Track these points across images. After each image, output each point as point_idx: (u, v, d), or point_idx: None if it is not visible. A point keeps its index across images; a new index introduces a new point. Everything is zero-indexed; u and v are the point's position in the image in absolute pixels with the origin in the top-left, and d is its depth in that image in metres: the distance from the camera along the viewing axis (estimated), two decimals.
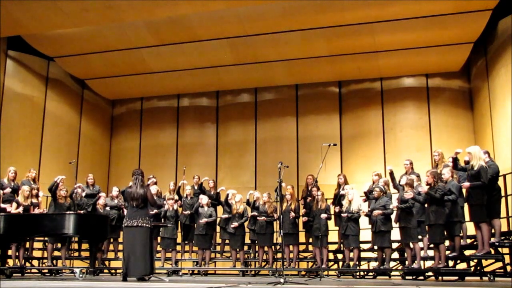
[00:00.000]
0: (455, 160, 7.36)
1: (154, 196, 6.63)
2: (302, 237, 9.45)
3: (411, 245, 7.46)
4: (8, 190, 8.57)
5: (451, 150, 7.72)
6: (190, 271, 9.55)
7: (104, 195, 9.47)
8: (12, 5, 8.91)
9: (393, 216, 7.79)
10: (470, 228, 7.51)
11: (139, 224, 6.18)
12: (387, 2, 9.23)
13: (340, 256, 9.09)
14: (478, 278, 7.16)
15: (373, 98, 12.02)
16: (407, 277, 7.96)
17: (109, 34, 10.57)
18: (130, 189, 6.33)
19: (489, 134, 10.10)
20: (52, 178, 9.34)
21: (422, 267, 7.67)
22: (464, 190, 7.10)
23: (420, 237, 7.55)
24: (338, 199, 8.73)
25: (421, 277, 7.78)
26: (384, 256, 7.84)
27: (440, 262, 6.92)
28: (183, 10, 9.26)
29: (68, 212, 8.03)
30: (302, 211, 9.07)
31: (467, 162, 7.18)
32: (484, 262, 7.08)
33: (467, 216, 7.31)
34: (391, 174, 8.21)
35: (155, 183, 9.64)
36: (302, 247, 9.49)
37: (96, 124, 13.32)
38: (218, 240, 10.08)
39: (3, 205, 8.28)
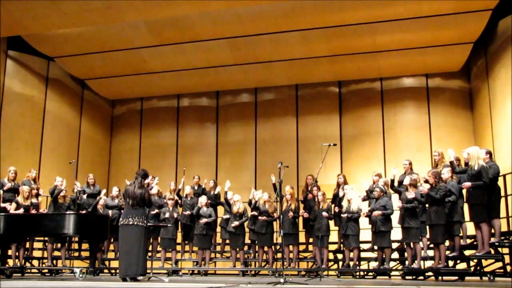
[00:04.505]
0: (452, 164, 7.38)
1: (151, 197, 6.63)
2: (302, 237, 9.45)
3: (412, 245, 7.46)
4: (8, 186, 8.57)
5: (448, 149, 7.74)
6: (190, 271, 9.55)
7: (104, 191, 9.47)
8: (12, 5, 8.91)
9: (396, 217, 7.77)
10: (470, 228, 7.51)
11: (135, 223, 6.18)
12: (387, 2, 9.23)
13: (340, 256, 9.09)
14: (478, 278, 7.16)
15: (373, 98, 12.03)
16: (407, 277, 7.96)
17: (109, 34, 10.57)
18: (129, 188, 6.35)
19: (489, 134, 10.10)
20: (52, 178, 9.37)
21: (422, 267, 7.67)
22: (464, 190, 7.09)
23: (420, 237, 7.55)
24: (338, 201, 8.71)
25: (421, 277, 7.78)
26: (384, 256, 7.84)
27: (440, 262, 6.92)
28: (183, 10, 9.26)
29: (68, 212, 8.04)
30: (302, 211, 9.06)
31: (467, 163, 7.17)
32: (484, 262, 7.08)
33: (467, 216, 7.31)
34: (392, 181, 8.16)
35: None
36: (302, 247, 9.49)
37: (96, 124, 13.33)
38: (218, 240, 10.08)
39: (3, 204, 8.28)
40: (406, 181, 7.57)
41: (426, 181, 7.30)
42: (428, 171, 7.33)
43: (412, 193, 7.17)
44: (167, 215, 9.14)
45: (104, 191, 9.53)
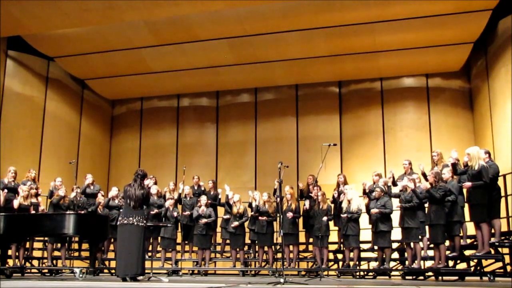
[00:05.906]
0: (454, 166, 7.37)
1: (149, 196, 6.62)
2: (302, 237, 9.44)
3: (412, 245, 7.46)
4: (5, 182, 8.57)
5: (451, 150, 7.73)
6: (190, 271, 9.55)
7: (102, 197, 9.46)
8: (12, 5, 8.91)
9: (396, 217, 7.77)
10: (470, 228, 7.51)
11: (135, 223, 6.18)
12: (387, 2, 9.23)
13: (340, 256, 9.09)
14: (478, 278, 7.16)
15: (373, 98, 12.03)
16: (407, 277, 7.96)
17: (109, 34, 10.57)
18: (129, 188, 6.34)
19: (489, 134, 10.10)
20: (52, 178, 9.37)
21: (422, 267, 7.67)
22: (464, 190, 7.09)
23: (420, 237, 7.55)
24: (339, 204, 8.68)
25: (421, 277, 7.78)
26: (384, 256, 7.84)
27: (440, 262, 6.92)
28: (183, 10, 9.26)
29: (68, 212, 8.03)
30: (302, 209, 9.07)
31: (466, 163, 7.17)
32: (484, 262, 7.08)
33: (467, 216, 7.31)
34: (389, 188, 8.17)
35: (155, 183, 9.64)
36: (302, 247, 9.49)
37: (96, 124, 13.33)
38: (219, 240, 10.08)
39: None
40: (405, 181, 7.57)
41: (423, 174, 7.30)
42: (429, 171, 7.33)
43: (412, 184, 7.19)
44: (167, 205, 9.16)
45: (102, 195, 9.51)
